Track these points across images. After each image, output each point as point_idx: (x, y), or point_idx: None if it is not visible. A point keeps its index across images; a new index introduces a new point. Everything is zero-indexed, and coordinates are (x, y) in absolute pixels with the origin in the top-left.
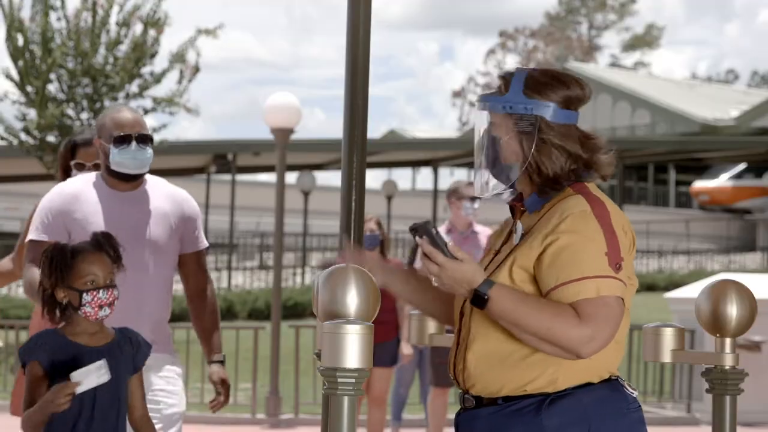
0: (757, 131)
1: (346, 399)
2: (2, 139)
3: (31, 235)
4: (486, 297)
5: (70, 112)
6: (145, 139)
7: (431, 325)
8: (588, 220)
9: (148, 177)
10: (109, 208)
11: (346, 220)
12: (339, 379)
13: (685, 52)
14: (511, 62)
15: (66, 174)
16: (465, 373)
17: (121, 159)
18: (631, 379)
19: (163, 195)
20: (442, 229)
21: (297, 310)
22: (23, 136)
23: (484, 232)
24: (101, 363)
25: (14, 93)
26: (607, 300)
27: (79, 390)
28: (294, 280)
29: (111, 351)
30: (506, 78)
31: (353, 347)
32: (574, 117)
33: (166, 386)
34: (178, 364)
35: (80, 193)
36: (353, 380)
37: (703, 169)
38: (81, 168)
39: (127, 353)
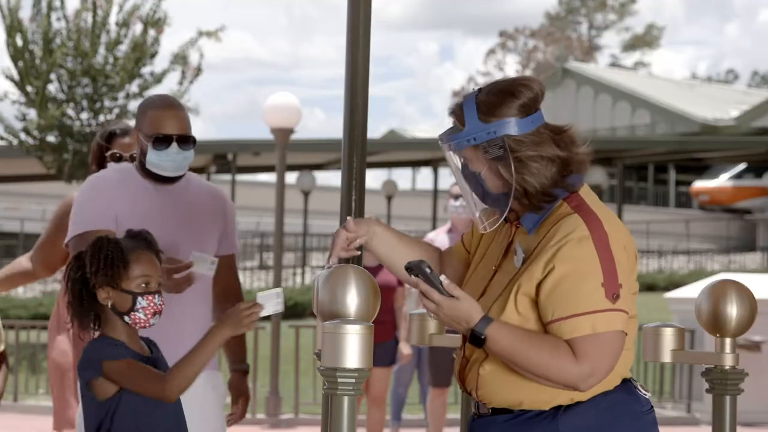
0: (757, 131)
1: (346, 399)
2: (2, 139)
3: (77, 229)
4: (483, 337)
5: (70, 112)
6: (186, 140)
7: (431, 325)
8: (585, 248)
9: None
10: (151, 202)
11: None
12: (339, 379)
13: (685, 52)
14: (511, 62)
15: (100, 168)
16: (480, 390)
17: (159, 161)
18: None
19: (204, 191)
20: (443, 229)
21: (297, 310)
22: (23, 136)
23: None
24: (280, 291)
25: (14, 93)
26: (604, 337)
27: (261, 314)
28: (294, 280)
29: (160, 362)
30: (457, 112)
31: (353, 347)
32: (539, 118)
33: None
34: (221, 383)
35: (120, 184)
36: (353, 380)
37: (703, 169)
38: (118, 160)
39: (165, 368)
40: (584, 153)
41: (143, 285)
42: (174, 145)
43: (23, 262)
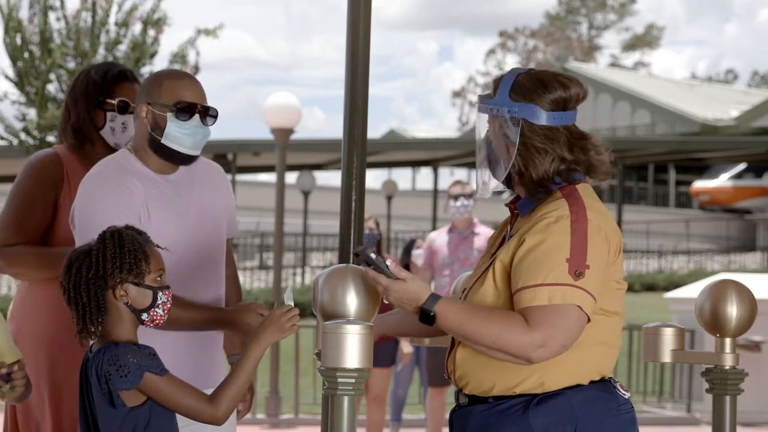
0: (757, 131)
1: (346, 399)
2: (2, 139)
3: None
4: (432, 314)
5: None
6: (208, 113)
7: None
8: (559, 225)
9: None
10: (165, 197)
11: (346, 220)
12: (339, 379)
13: (685, 52)
14: (511, 62)
15: (92, 121)
16: (457, 372)
17: (180, 133)
18: (631, 379)
19: (209, 172)
20: (444, 230)
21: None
22: (23, 136)
23: (485, 233)
24: (289, 289)
25: (14, 93)
26: (559, 308)
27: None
28: (294, 280)
29: None
30: (497, 81)
31: (353, 347)
32: (565, 118)
33: None
34: None
35: (129, 174)
36: (353, 380)
37: (703, 169)
38: (124, 110)
39: None
40: (600, 159)
41: (158, 279)
42: (196, 117)
43: None
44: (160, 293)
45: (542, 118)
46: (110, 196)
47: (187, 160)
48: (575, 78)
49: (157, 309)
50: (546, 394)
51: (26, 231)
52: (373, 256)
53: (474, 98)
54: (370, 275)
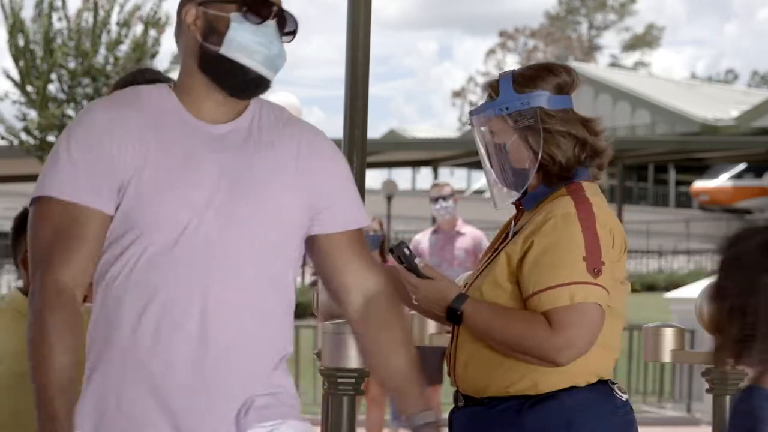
0: (757, 131)
1: (346, 399)
2: (2, 138)
3: (40, 190)
4: (459, 313)
5: (71, 112)
6: (290, 24)
7: (431, 325)
8: (569, 223)
9: None
10: (197, 153)
11: None
12: (339, 379)
13: (685, 52)
14: (511, 62)
15: None
16: (455, 371)
17: (249, 40)
18: (631, 379)
19: (294, 133)
20: (429, 231)
21: (297, 310)
22: (23, 136)
23: (470, 233)
24: None
25: (15, 93)
26: (582, 307)
27: None
28: (294, 280)
29: None
30: (493, 84)
31: (353, 347)
32: (569, 102)
33: None
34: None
35: (142, 119)
36: (353, 380)
37: (703, 169)
38: None
39: None
40: (606, 145)
41: None
42: (272, 23)
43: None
44: None
45: (554, 102)
46: (66, 149)
47: (253, 84)
48: (567, 66)
49: None
50: (539, 396)
51: None
52: (407, 252)
53: (474, 98)
54: (401, 273)
